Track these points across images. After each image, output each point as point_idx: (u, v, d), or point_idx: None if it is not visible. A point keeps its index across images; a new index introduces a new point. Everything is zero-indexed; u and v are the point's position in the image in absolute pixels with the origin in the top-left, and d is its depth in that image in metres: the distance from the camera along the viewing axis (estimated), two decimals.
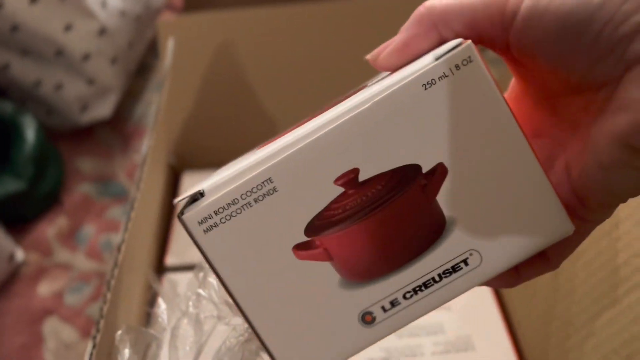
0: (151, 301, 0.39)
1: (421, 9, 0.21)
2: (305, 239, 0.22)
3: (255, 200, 0.21)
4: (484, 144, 0.21)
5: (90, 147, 0.73)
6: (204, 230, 0.21)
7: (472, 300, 0.44)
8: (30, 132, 0.63)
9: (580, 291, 0.36)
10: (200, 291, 0.32)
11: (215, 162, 0.56)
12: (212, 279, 0.32)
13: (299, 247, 0.22)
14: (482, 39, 0.21)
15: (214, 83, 0.54)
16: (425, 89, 0.20)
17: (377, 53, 0.22)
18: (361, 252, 0.22)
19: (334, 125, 0.21)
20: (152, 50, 0.82)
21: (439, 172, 0.22)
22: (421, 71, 0.20)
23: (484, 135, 0.21)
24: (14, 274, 0.59)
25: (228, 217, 0.21)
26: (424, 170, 0.22)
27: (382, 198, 0.22)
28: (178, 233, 0.50)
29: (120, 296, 0.34)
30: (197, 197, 0.21)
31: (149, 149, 0.43)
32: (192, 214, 0.21)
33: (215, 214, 0.21)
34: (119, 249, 0.34)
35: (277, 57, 0.53)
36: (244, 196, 0.21)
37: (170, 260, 0.48)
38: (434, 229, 0.22)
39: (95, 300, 0.56)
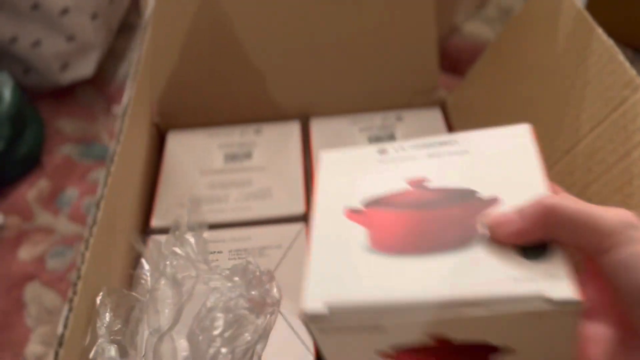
0: (135, 263, 0.37)
1: (545, 205, 0.24)
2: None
3: (364, 331, 0.25)
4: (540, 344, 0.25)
5: (71, 108, 0.70)
6: (320, 331, 0.26)
7: None
8: (6, 91, 0.60)
9: None
10: (177, 250, 0.30)
11: (201, 121, 0.54)
12: (190, 237, 0.30)
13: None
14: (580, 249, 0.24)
15: (199, 37, 0.51)
16: (524, 315, 0.23)
17: (495, 224, 0.25)
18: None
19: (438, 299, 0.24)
20: (136, 8, 0.78)
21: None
22: (532, 308, 0.23)
23: (544, 343, 0.25)
24: None
25: (339, 332, 0.26)
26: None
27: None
28: (164, 194, 0.48)
29: (101, 257, 0.32)
30: (321, 312, 0.25)
31: (130, 100, 0.40)
32: (315, 324, 0.26)
33: (332, 328, 0.26)
34: (97, 206, 0.31)
35: (265, 8, 0.50)
36: (354, 329, 0.26)
37: (155, 222, 0.46)
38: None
39: None
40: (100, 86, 0.72)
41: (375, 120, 0.53)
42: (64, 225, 0.58)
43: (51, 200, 0.60)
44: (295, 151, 0.51)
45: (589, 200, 0.35)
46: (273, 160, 0.50)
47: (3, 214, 0.58)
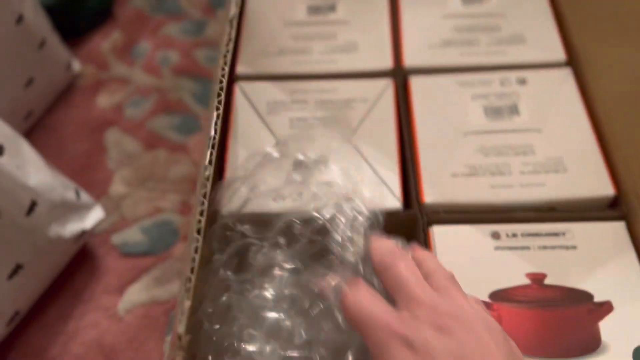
0: None
1: (343, 303, 0.28)
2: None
3: None
4: None
5: None
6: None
7: (566, 122, 0.41)
8: None
9: None
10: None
11: None
12: (335, 167, 0.36)
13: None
14: None
15: None
16: None
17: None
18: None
19: None
20: None
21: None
22: None
23: None
24: (71, 85, 0.57)
25: None
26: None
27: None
28: (247, 43, 0.47)
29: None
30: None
31: None
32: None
33: None
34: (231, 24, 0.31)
35: None
36: None
37: (240, 69, 0.45)
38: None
39: (155, 114, 0.55)
40: None
41: None
42: (139, 76, 0.58)
43: (125, 52, 0.60)
44: (382, 6, 0.49)
45: None
46: (358, 14, 0.48)
47: (80, 62, 0.58)
